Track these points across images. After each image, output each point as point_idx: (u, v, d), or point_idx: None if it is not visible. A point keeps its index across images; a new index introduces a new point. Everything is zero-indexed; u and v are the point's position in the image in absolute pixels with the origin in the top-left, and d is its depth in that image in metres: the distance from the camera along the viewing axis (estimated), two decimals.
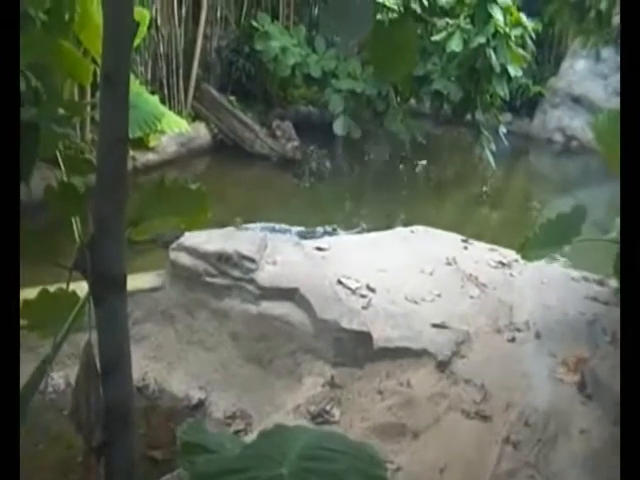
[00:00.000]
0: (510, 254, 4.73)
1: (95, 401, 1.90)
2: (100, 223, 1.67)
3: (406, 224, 5.51)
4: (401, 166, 9.78)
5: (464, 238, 5.08)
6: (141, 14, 3.23)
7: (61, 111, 2.35)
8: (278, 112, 10.20)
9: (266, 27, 10.05)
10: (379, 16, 8.25)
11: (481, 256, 4.81)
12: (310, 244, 4.73)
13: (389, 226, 5.47)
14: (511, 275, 4.58)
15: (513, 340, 3.86)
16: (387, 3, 8.62)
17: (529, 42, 9.36)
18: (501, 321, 4.04)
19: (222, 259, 4.13)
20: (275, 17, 10.61)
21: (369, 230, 5.70)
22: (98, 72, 2.25)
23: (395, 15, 8.56)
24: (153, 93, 6.94)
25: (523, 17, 9.09)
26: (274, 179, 8.69)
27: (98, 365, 1.80)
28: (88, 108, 7.02)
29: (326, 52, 9.96)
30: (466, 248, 4.95)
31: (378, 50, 2.09)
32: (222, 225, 4.66)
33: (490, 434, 3.11)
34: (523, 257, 4.26)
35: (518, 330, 3.96)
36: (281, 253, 4.39)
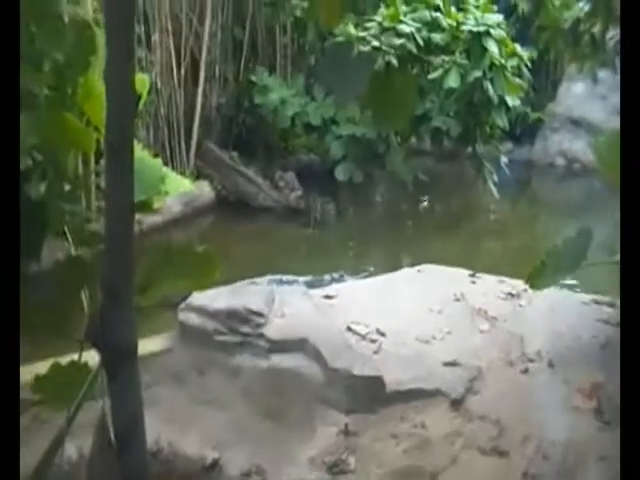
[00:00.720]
0: (519, 284, 4.75)
1: (110, 474, 1.93)
2: (109, 293, 1.69)
3: (413, 264, 5.56)
4: (405, 206, 9.86)
5: (471, 272, 5.12)
6: (141, 80, 3.28)
7: (67, 186, 2.43)
8: (280, 163, 10.34)
9: (264, 81, 10.28)
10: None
11: (489, 289, 4.84)
12: (318, 293, 4.79)
13: (396, 267, 5.52)
14: (520, 306, 4.61)
15: (526, 371, 3.88)
16: (383, 47, 8.77)
17: (525, 71, 9.50)
18: (513, 353, 4.06)
19: (231, 316, 4.20)
20: (272, 68, 10.83)
21: (376, 273, 5.76)
22: (101, 140, 2.34)
23: (392, 57, 8.65)
24: (156, 155, 7.06)
25: (518, 47, 9.25)
26: (279, 230, 8.79)
27: (112, 436, 1.83)
28: (92, 176, 7.17)
29: (325, 99, 10.13)
30: (474, 282, 4.98)
31: (376, 100, 2.13)
32: (228, 281, 4.73)
33: (508, 469, 3.13)
34: (531, 286, 4.26)
35: (530, 361, 3.97)
36: (289, 305, 4.44)
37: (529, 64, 9.46)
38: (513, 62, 9.13)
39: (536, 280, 4.18)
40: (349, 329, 4.21)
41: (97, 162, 6.73)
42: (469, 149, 9.51)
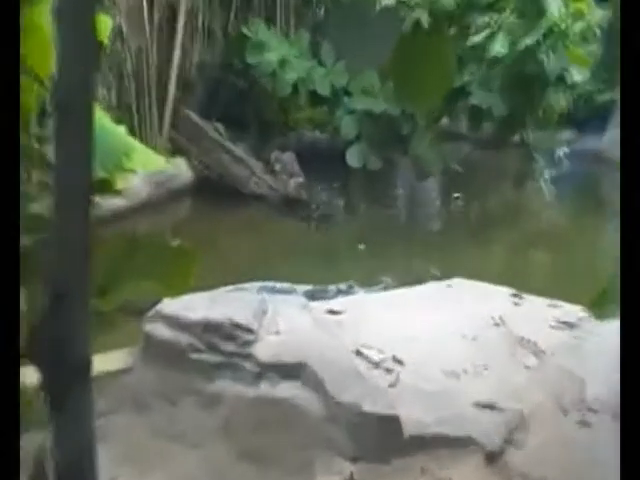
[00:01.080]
0: (576, 311, 4.74)
1: None
2: (56, 294, 1.68)
3: (441, 277, 5.57)
4: (432, 203, 9.86)
5: (515, 292, 5.12)
6: (102, 22, 3.23)
7: None
8: (277, 141, 10.35)
9: (260, 36, 10.27)
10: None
11: (538, 314, 4.84)
12: (321, 307, 4.80)
13: (420, 280, 5.53)
14: (579, 338, 4.59)
15: (584, 423, 3.86)
16: (412, 1, 8.73)
17: (596, 38, 9.45)
18: (567, 398, 4.04)
19: (210, 330, 4.20)
20: (271, 22, 10.82)
21: (394, 286, 5.77)
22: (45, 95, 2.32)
23: (423, 15, 8.62)
24: (119, 122, 7.04)
25: (590, 3, 9.17)
26: (274, 225, 8.79)
27: (53, 476, 1.82)
28: (34, 142, 7.17)
29: (336, 64, 10.11)
30: (518, 304, 4.98)
31: (401, 69, 2.10)
32: (208, 286, 4.73)
33: None
34: (595, 314, 4.26)
35: (590, 410, 3.95)
36: (285, 319, 4.45)
37: (601, 28, 9.42)
38: (580, 26, 9.08)
39: (601, 307, 4.15)
40: (359, 354, 4.21)
41: (40, 124, 6.72)
42: (517, 136, 9.51)
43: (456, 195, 9.91)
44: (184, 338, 4.21)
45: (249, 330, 4.20)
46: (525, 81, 9.17)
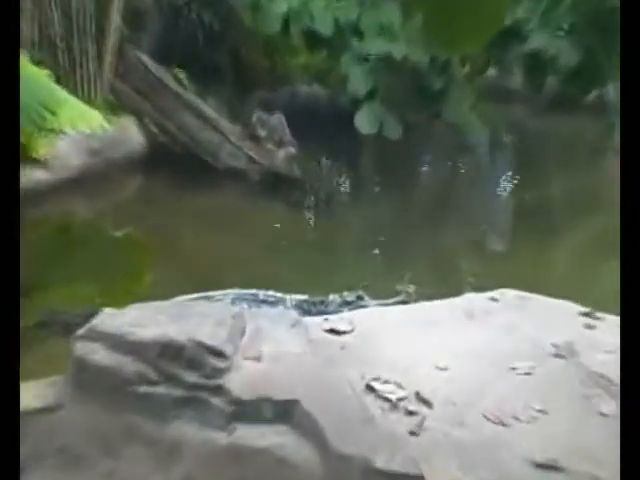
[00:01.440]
0: None
1: None
2: None
3: (483, 287, 5.58)
4: (472, 185, 9.86)
5: (586, 311, 5.14)
6: None
7: None
8: (261, 97, 10.33)
9: None
10: None
11: (619, 341, 4.85)
12: (319, 323, 4.82)
13: (454, 291, 5.55)
14: None
15: None
16: None
17: None
18: None
19: (168, 354, 4.20)
20: None
21: (419, 298, 5.78)
22: None
23: None
24: (41, 64, 7.06)
25: None
26: (255, 211, 8.78)
27: None
28: None
29: None
30: (591, 327, 4.99)
31: (435, 5, 2.12)
32: (166, 294, 4.75)
33: None
34: None
35: None
36: (269, 340, 4.47)
37: None
38: None
39: None
40: (370, 389, 4.22)
41: None
42: (593, 94, 9.50)
43: (506, 175, 9.91)
44: (131, 365, 4.21)
45: (220, 354, 4.21)
46: (605, 18, 9.12)
